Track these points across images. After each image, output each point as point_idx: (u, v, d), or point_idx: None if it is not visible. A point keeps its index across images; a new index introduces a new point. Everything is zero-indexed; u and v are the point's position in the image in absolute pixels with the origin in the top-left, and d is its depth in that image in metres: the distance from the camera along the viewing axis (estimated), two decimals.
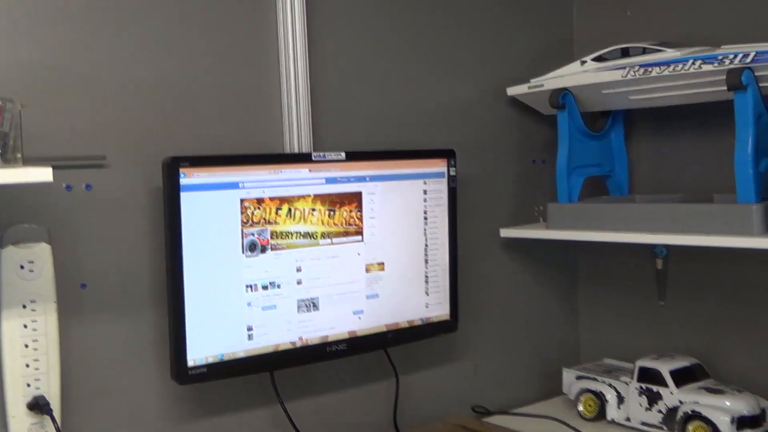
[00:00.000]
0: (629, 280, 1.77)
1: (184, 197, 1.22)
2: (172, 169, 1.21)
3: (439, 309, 1.52)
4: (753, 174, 1.32)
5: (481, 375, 1.70)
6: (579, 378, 1.67)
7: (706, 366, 1.62)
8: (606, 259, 1.81)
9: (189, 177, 1.22)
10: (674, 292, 1.69)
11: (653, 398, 1.54)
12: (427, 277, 1.50)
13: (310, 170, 1.35)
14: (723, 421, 1.43)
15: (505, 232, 1.68)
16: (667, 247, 1.69)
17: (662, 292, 1.72)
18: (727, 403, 1.45)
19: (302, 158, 1.35)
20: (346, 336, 1.39)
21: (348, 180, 1.39)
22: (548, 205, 1.62)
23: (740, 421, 1.43)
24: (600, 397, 1.61)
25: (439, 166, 1.51)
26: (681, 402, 1.50)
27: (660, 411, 1.52)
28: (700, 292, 1.65)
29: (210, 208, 1.24)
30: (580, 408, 1.64)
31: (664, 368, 1.54)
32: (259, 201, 1.29)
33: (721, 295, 1.62)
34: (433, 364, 1.62)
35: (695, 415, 1.46)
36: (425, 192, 1.49)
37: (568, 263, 1.85)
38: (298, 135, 1.41)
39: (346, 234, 1.39)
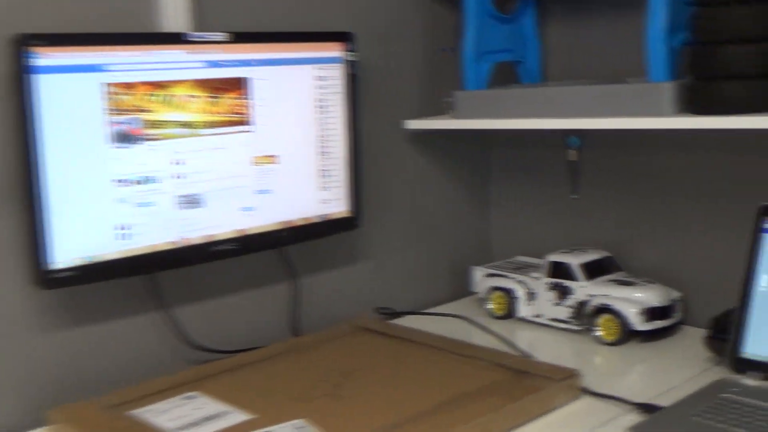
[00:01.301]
0: (542, 174, 1.70)
1: (38, 81, 1.08)
2: (23, 47, 1.07)
3: (338, 205, 1.42)
4: (665, 50, 1.23)
5: (387, 275, 1.62)
6: (489, 276, 1.61)
7: (620, 259, 1.57)
8: (518, 152, 1.73)
9: (44, 58, 1.08)
10: (588, 184, 1.63)
11: (563, 293, 1.49)
12: (324, 171, 1.39)
13: (187, 52, 1.22)
14: (631, 313, 1.38)
15: (411, 124, 1.59)
16: (581, 137, 1.61)
17: (575, 185, 1.65)
18: (637, 295, 1.41)
19: (177, 38, 1.22)
20: (235, 234, 1.29)
21: (232, 64, 1.26)
22: (454, 93, 1.52)
23: (649, 313, 1.39)
24: (510, 293, 1.56)
25: (336, 50, 1.39)
26: (591, 295, 1.44)
27: (570, 305, 1.47)
28: (613, 184, 1.59)
29: (69, 94, 1.11)
30: (490, 306, 1.58)
31: (575, 262, 1.48)
32: (129, 86, 1.16)
33: (633, 186, 1.56)
34: (336, 265, 1.53)
35: (604, 308, 1.41)
36: (320, 79, 1.37)
37: (480, 157, 1.76)
38: (175, 13, 1.26)
39: (232, 123, 1.27)
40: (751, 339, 1.19)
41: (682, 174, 1.48)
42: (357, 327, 1.44)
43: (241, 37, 1.27)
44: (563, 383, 1.16)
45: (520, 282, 1.55)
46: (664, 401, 1.13)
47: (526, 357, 1.32)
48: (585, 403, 1.17)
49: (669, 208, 1.52)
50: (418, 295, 1.67)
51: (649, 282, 1.45)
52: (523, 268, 1.60)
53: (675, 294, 1.45)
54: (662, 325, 1.41)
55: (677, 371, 1.27)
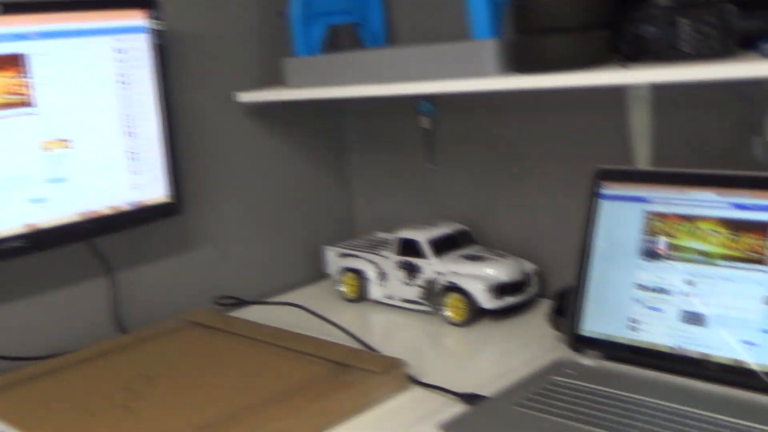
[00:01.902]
0: (398, 144, 1.58)
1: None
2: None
3: (153, 191, 1.29)
4: (486, 4, 1.12)
5: (233, 262, 1.50)
6: (342, 256, 1.50)
7: (477, 231, 1.47)
8: (373, 122, 1.61)
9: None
10: (444, 153, 1.52)
11: (412, 271, 1.38)
12: (133, 153, 1.26)
13: None
14: (478, 290, 1.28)
15: (244, 97, 1.46)
16: (434, 103, 1.50)
17: (431, 155, 1.54)
18: (486, 271, 1.31)
19: None
20: (23, 230, 1.15)
21: (4, 38, 1.12)
22: (284, 60, 1.39)
23: (498, 289, 1.29)
24: (361, 275, 1.44)
25: (137, 18, 1.25)
26: (439, 273, 1.34)
27: (419, 285, 1.37)
28: (468, 152, 1.48)
29: None
30: (342, 289, 1.47)
31: (423, 238, 1.37)
32: None
33: (488, 154, 1.45)
34: (164, 254, 1.40)
35: (451, 287, 1.31)
36: (120, 51, 1.23)
37: (333, 129, 1.64)
38: None
39: (11, 105, 1.13)
40: (590, 315, 1.10)
41: (536, 139, 1.38)
42: (186, 321, 1.32)
43: (13, 7, 1.12)
44: (385, 376, 1.06)
45: (370, 262, 1.44)
46: (498, 387, 1.03)
47: (358, 347, 1.21)
48: (411, 394, 1.07)
49: (522, 176, 1.42)
50: (270, 280, 1.55)
51: (502, 256, 1.35)
52: (378, 246, 1.49)
53: (528, 267, 1.35)
54: (513, 302, 1.31)
55: (522, 352, 1.17)
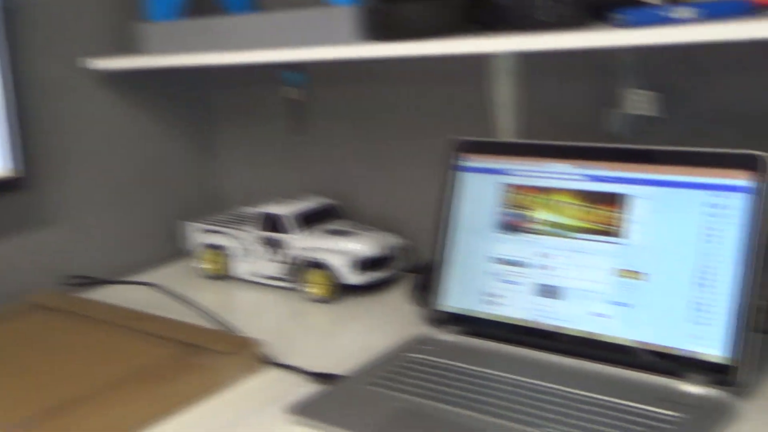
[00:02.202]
0: (266, 116, 1.53)
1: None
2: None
3: None
4: None
5: (87, 240, 1.41)
6: (204, 232, 1.43)
7: (346, 205, 1.43)
8: (239, 93, 1.55)
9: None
10: (314, 125, 1.47)
11: (276, 247, 1.33)
12: None
13: None
14: (341, 266, 1.24)
15: (96, 64, 1.37)
16: (303, 72, 1.45)
17: (299, 127, 1.49)
18: (349, 246, 1.27)
19: None
20: None
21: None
22: (139, 25, 1.32)
23: (362, 264, 1.26)
24: (223, 251, 1.39)
25: None
26: (302, 249, 1.30)
27: (283, 261, 1.32)
28: (337, 123, 1.44)
29: None
30: (203, 266, 1.41)
31: (288, 212, 1.33)
32: None
33: (356, 125, 1.41)
34: (11, 233, 1.31)
35: (314, 262, 1.27)
36: None
37: (198, 99, 1.57)
38: None
39: None
40: (450, 290, 1.07)
41: (401, 110, 1.35)
42: (29, 305, 1.24)
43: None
44: (235, 356, 1.01)
45: (233, 238, 1.39)
46: (353, 365, 1.00)
47: (214, 328, 1.16)
48: (264, 376, 1.02)
49: (388, 149, 1.38)
50: (127, 258, 1.47)
51: (367, 230, 1.32)
52: (242, 222, 1.43)
53: (393, 241, 1.32)
54: (377, 277, 1.28)
55: (384, 329, 1.14)
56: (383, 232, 1.32)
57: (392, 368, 0.97)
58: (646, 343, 0.92)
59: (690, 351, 0.89)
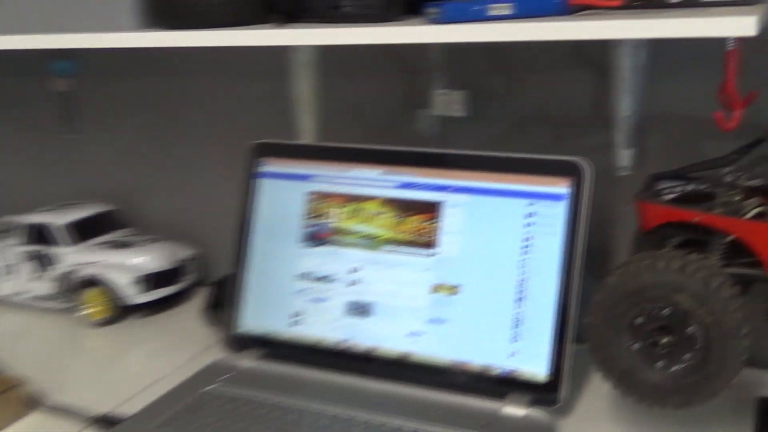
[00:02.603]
0: (32, 112, 1.33)
1: None
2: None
3: None
4: None
5: None
6: None
7: (128, 212, 1.27)
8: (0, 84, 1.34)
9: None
10: (88, 121, 1.30)
11: (45, 263, 1.16)
12: None
13: None
14: (123, 283, 1.10)
15: None
16: (75, 61, 1.27)
17: (70, 123, 1.31)
18: (133, 260, 1.13)
19: None
20: None
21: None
22: None
23: (148, 280, 1.12)
24: None
25: None
26: (77, 264, 1.13)
27: (54, 279, 1.15)
28: (117, 120, 1.28)
29: None
30: None
31: (58, 222, 1.16)
32: None
33: (140, 122, 1.26)
34: None
35: (92, 280, 1.11)
36: None
37: None
38: None
39: None
40: (250, 309, 0.96)
41: (195, 107, 1.21)
42: None
43: None
44: None
45: None
46: (141, 403, 0.86)
47: None
48: (33, 421, 0.86)
49: (180, 149, 1.24)
50: None
51: (154, 241, 1.18)
52: (4, 234, 1.23)
53: (185, 253, 1.19)
54: (165, 293, 1.14)
55: (175, 355, 1.01)
56: (172, 241, 1.19)
57: (185, 405, 0.85)
58: (465, 363, 0.86)
59: (510, 369, 0.84)
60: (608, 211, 0.96)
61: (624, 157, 0.96)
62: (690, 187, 0.82)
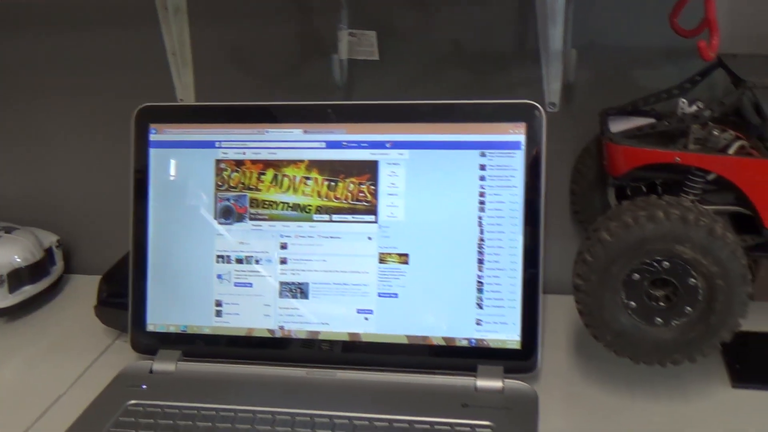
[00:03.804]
0: None
1: None
2: None
3: None
4: None
5: None
6: None
7: None
8: None
9: None
10: None
11: None
12: None
13: None
14: None
15: None
16: None
17: None
18: None
19: None
20: None
21: None
22: None
23: (12, 277, 0.94)
24: None
25: None
26: None
27: None
28: None
29: None
30: None
31: None
32: None
33: None
34: None
35: None
36: None
37: None
38: None
39: None
40: (159, 302, 0.82)
41: (57, 64, 1.01)
42: None
43: None
44: None
45: None
46: (52, 425, 0.71)
47: None
48: None
49: (37, 118, 1.05)
50: None
51: (10, 230, 0.99)
52: None
53: (49, 240, 1.02)
54: (35, 291, 0.97)
55: (67, 365, 0.85)
56: (32, 228, 1.01)
57: (113, 425, 0.71)
58: (426, 337, 0.77)
59: (478, 339, 0.76)
60: None
61: (552, 93, 0.89)
62: (649, 125, 0.76)
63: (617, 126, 0.77)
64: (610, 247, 0.65)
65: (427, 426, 0.69)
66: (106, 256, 0.93)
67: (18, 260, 0.95)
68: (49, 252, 1.00)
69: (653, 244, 0.64)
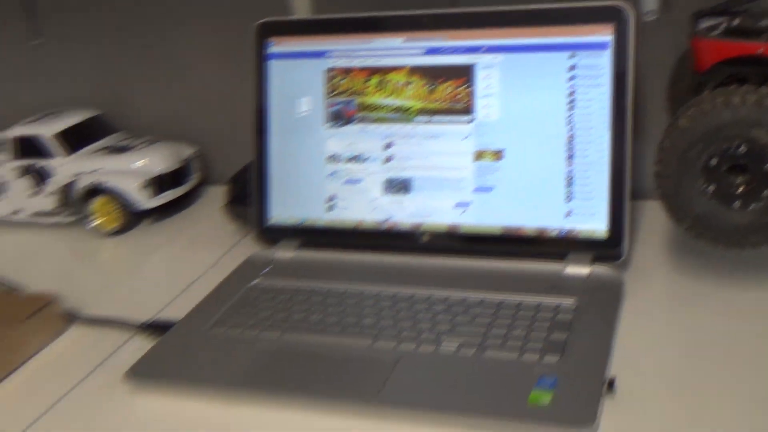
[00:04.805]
0: None
1: None
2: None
3: None
4: None
5: None
6: None
7: (115, 116, 1.20)
8: None
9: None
10: (53, 24, 1.21)
11: (41, 176, 1.09)
12: None
13: None
14: (131, 188, 1.04)
15: None
16: None
17: (35, 26, 1.22)
18: (136, 164, 1.06)
19: None
20: None
21: None
22: None
23: (155, 183, 1.06)
24: None
25: None
26: (76, 174, 1.07)
27: (53, 192, 1.09)
28: (85, 19, 1.19)
29: None
30: None
31: (48, 132, 1.09)
32: None
33: (114, 17, 1.17)
34: None
35: (96, 188, 1.05)
36: None
37: None
38: None
39: None
40: (278, 199, 0.92)
41: None
42: None
43: None
44: (33, 320, 0.80)
45: None
46: (183, 307, 0.82)
47: None
48: (74, 336, 0.82)
49: (166, 40, 1.17)
50: None
51: (151, 142, 1.11)
52: None
53: (186, 152, 1.13)
54: (174, 195, 1.09)
55: (201, 256, 0.97)
56: (170, 141, 1.13)
57: (233, 302, 0.81)
58: (519, 228, 0.83)
59: (568, 229, 0.81)
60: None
61: (650, 1, 0.92)
62: (736, 22, 0.78)
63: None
64: (687, 132, 0.69)
65: (517, 302, 0.75)
66: (237, 166, 1.03)
67: (158, 167, 1.06)
68: (186, 162, 1.11)
69: (730, 129, 0.67)
